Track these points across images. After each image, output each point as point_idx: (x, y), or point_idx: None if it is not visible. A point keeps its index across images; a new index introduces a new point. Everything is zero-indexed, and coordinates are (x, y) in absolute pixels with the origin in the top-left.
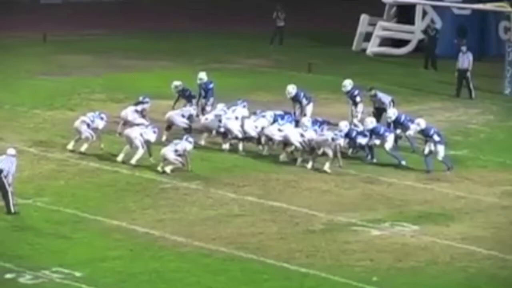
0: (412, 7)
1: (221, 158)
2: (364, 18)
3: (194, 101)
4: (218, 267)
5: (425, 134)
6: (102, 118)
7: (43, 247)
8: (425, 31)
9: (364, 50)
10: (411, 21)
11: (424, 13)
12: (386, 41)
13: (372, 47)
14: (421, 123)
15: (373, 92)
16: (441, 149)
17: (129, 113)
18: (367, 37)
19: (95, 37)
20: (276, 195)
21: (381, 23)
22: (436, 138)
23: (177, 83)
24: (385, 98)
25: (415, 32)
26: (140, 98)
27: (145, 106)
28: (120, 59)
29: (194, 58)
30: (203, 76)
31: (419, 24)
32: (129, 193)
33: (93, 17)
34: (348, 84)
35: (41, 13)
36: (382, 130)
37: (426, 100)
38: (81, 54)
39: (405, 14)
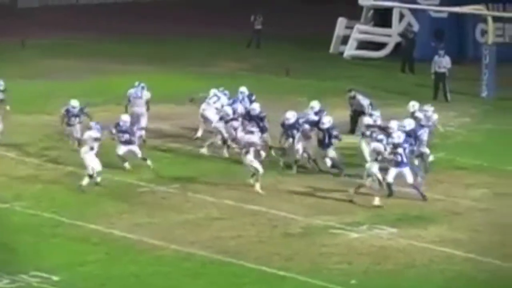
0: (389, 10)
1: (198, 162)
2: (341, 21)
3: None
4: (197, 271)
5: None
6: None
7: (21, 251)
8: (402, 34)
9: (341, 53)
10: (388, 24)
11: (401, 16)
12: (363, 44)
13: (349, 50)
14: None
15: (352, 93)
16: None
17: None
18: (345, 40)
19: (73, 41)
20: (255, 198)
21: (358, 26)
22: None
23: (75, 103)
24: (364, 100)
25: (392, 35)
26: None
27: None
28: (98, 63)
29: (173, 62)
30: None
31: (397, 27)
32: (107, 197)
33: (71, 21)
34: (257, 107)
35: (19, 17)
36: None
37: (404, 103)
38: (59, 58)
39: (382, 17)
